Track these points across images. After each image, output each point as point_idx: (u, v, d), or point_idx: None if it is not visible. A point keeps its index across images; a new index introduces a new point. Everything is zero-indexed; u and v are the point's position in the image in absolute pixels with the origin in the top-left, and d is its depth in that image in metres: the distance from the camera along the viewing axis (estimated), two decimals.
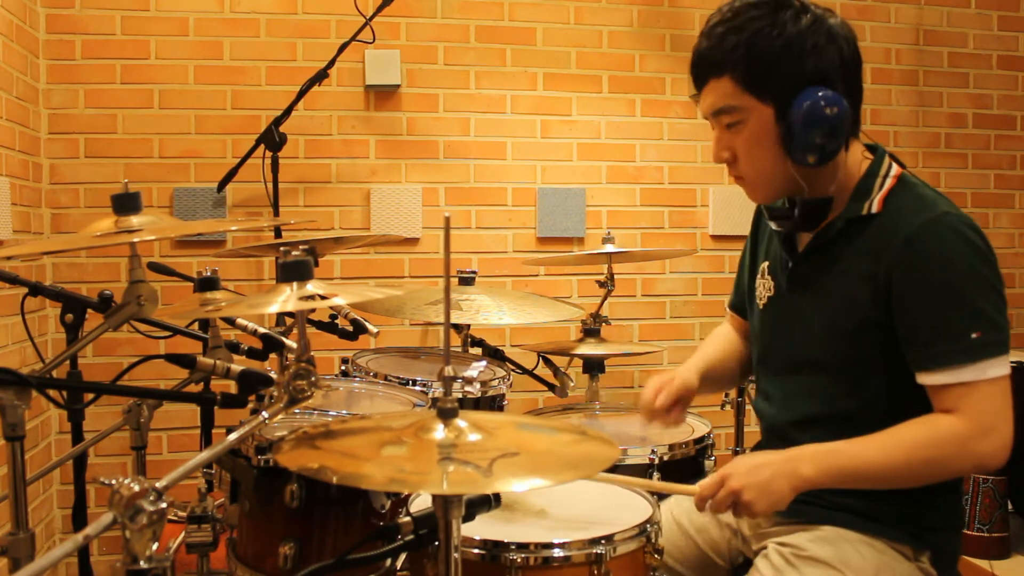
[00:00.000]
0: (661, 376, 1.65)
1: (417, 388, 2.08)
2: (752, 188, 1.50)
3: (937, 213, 1.36)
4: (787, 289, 1.55)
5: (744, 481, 1.35)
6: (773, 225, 1.57)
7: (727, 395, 2.54)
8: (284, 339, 1.62)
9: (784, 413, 1.55)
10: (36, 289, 1.71)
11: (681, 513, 1.66)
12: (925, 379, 1.35)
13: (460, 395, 2.07)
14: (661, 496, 1.55)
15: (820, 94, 1.35)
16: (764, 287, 1.62)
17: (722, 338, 1.81)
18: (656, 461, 1.81)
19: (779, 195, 1.50)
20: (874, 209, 1.42)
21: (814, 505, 1.44)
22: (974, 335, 1.31)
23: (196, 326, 1.90)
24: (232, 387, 1.40)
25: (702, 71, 1.45)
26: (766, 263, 1.62)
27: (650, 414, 1.63)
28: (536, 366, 2.55)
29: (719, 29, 1.41)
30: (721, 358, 1.75)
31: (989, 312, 1.33)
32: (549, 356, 2.56)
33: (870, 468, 1.35)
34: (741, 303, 1.75)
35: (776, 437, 1.57)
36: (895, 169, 1.46)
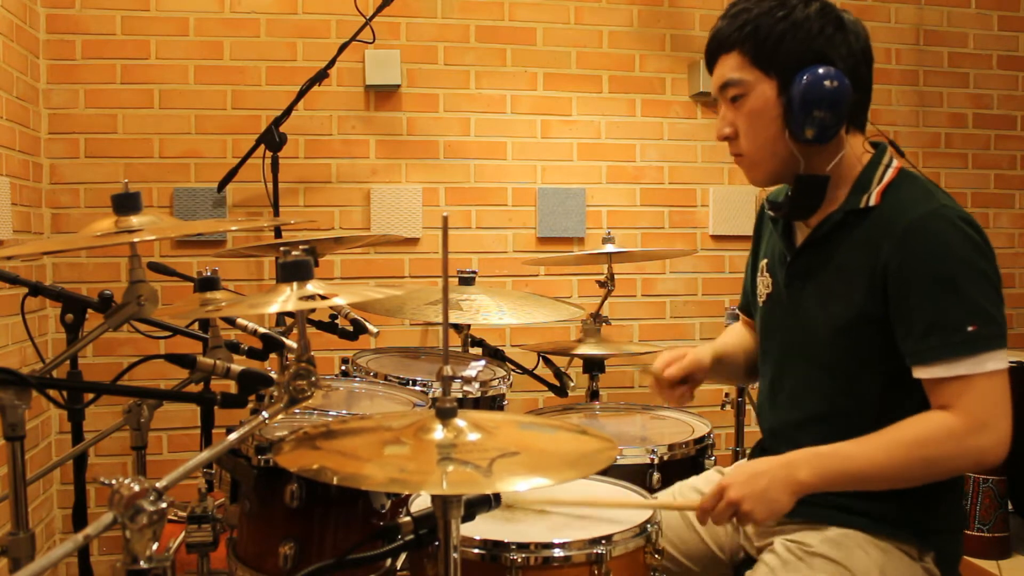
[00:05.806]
0: (674, 351, 1.65)
1: (417, 388, 2.08)
2: (750, 165, 1.50)
3: (935, 206, 1.36)
4: (785, 284, 1.54)
5: (743, 491, 1.35)
6: (771, 213, 1.57)
7: (727, 395, 2.55)
8: (284, 339, 1.62)
9: (782, 411, 1.55)
10: (36, 289, 1.71)
11: None
12: (921, 373, 1.34)
13: (460, 395, 2.06)
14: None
15: (822, 70, 1.37)
16: (764, 284, 1.62)
17: (736, 332, 1.82)
18: (656, 461, 1.82)
19: (776, 175, 1.49)
20: (872, 202, 1.41)
21: (819, 506, 1.44)
22: (970, 328, 1.30)
23: (196, 326, 1.90)
24: (232, 387, 1.39)
25: (714, 49, 1.49)
26: (765, 260, 1.63)
27: (658, 384, 1.62)
28: (536, 366, 2.55)
29: (733, 10, 1.46)
30: (733, 348, 1.76)
31: (985, 306, 1.32)
32: (549, 356, 2.56)
33: (868, 470, 1.34)
34: (747, 303, 1.75)
35: (775, 436, 1.57)
36: (896, 162, 1.46)
